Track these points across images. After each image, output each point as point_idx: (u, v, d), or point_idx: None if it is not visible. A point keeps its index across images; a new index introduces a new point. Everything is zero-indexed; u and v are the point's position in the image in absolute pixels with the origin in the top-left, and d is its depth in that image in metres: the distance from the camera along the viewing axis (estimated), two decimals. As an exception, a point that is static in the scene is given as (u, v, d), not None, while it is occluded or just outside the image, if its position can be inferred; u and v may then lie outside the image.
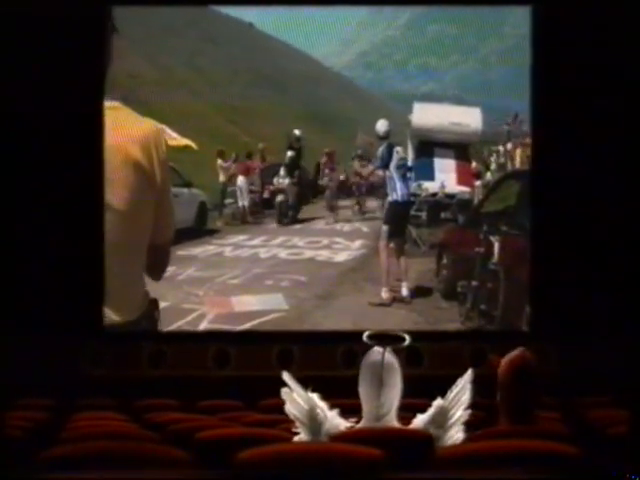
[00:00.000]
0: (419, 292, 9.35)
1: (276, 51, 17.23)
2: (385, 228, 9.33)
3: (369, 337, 2.79)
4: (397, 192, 9.38)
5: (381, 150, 9.70)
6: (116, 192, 2.51)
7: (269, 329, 7.79)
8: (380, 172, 9.91)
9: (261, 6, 10.94)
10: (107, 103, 2.60)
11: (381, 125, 9.79)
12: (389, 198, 9.51)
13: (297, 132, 13.86)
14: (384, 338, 2.79)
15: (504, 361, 3.03)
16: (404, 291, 9.14)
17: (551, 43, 6.25)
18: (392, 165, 9.51)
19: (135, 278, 2.73)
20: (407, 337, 2.77)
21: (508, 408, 2.97)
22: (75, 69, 5.31)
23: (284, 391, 2.85)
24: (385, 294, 9.03)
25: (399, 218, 9.59)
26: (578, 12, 6.06)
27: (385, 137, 9.74)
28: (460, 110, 14.49)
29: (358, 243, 12.97)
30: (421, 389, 2.98)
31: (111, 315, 2.65)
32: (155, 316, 2.98)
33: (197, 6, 12.66)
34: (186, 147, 12.93)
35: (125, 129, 2.57)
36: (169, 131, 12.85)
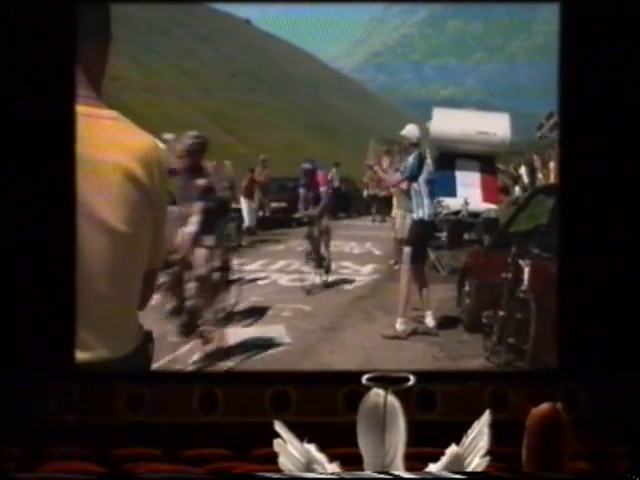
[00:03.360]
0: (439, 323, 9.30)
1: (276, 51, 17.40)
2: (408, 250, 9.11)
3: (369, 379, 2.77)
4: (424, 209, 9.19)
5: (412, 159, 9.32)
6: (116, 211, 2.53)
7: (266, 368, 7.74)
8: (404, 185, 9.62)
9: (259, 3, 11.02)
10: (105, 112, 2.62)
11: (412, 130, 9.49)
12: (414, 215, 9.28)
13: None
14: (386, 380, 2.77)
15: (533, 414, 3.02)
16: (429, 321, 9.03)
17: (582, 41, 6.24)
18: (421, 178, 9.32)
19: (132, 306, 2.75)
20: (411, 377, 2.75)
21: (534, 462, 2.96)
22: (50, 71, 5.33)
23: (277, 443, 2.83)
24: (401, 326, 8.94)
25: (424, 239, 9.45)
26: (612, 7, 6.06)
27: (416, 144, 9.47)
28: (485, 117, 14.53)
29: (369, 267, 12.98)
30: (434, 436, 2.96)
31: (100, 350, 2.65)
32: (149, 350, 2.99)
33: (187, 2, 12.69)
34: (175, 160, 12.95)
35: (125, 143, 2.59)
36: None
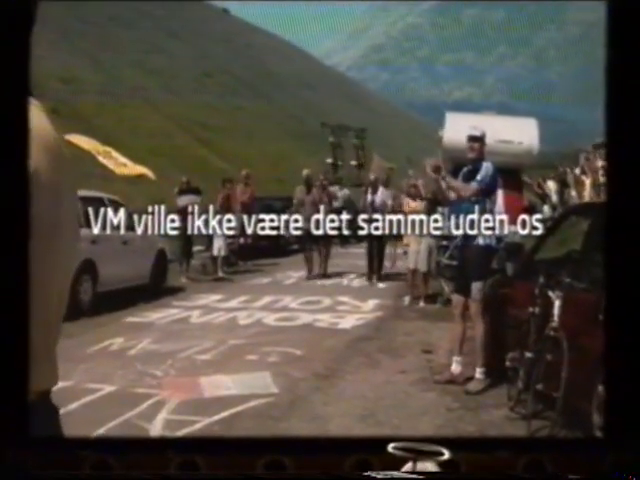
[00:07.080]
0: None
1: (260, 46, 17.47)
2: (479, 285, 9.06)
3: (396, 448, 2.86)
4: (493, 232, 9.19)
5: (491, 167, 9.10)
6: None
7: (247, 422, 7.80)
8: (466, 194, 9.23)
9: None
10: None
11: (478, 129, 9.32)
12: (479, 240, 9.22)
13: None
14: (415, 450, 2.87)
15: None
16: (456, 368, 9.20)
17: (632, 32, 6.34)
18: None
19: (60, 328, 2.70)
20: (445, 451, 2.85)
21: None
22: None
23: None
24: (457, 367, 9.14)
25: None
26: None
27: (481, 148, 9.24)
28: (508, 122, 14.68)
29: (372, 304, 13.04)
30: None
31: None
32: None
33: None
34: (140, 176, 13.13)
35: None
36: (117, 155, 13.06)
